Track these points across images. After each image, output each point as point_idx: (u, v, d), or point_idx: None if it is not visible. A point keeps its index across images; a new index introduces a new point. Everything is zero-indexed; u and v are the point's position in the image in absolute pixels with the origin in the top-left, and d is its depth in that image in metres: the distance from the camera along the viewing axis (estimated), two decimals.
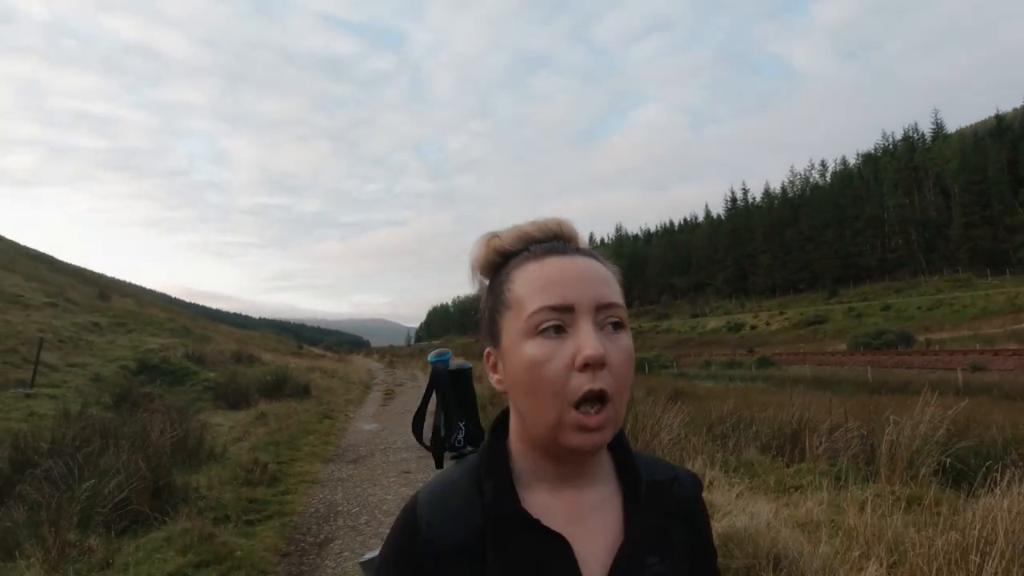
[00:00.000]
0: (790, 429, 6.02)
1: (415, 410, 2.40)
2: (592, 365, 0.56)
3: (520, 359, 0.59)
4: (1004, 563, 2.35)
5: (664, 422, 5.72)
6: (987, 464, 3.95)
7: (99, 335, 13.26)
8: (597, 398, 0.57)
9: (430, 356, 2.60)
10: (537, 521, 0.59)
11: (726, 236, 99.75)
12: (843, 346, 38.76)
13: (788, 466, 5.32)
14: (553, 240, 0.65)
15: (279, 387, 12.17)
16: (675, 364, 32.95)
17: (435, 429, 2.53)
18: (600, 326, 0.59)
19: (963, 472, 4.35)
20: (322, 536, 4.18)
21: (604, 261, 0.66)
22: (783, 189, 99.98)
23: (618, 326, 0.61)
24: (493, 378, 0.65)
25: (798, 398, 7.32)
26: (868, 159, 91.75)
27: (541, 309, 0.59)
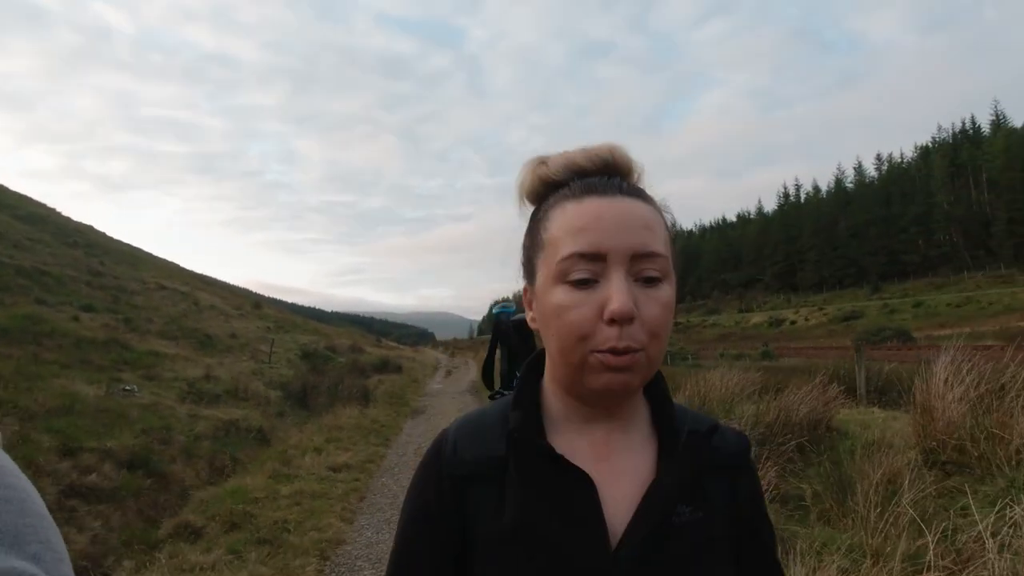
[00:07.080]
0: None
1: (483, 362, 2.71)
2: (619, 321, 0.54)
3: (549, 303, 0.58)
4: None
5: None
6: None
7: (273, 334, 21.43)
8: (623, 351, 0.55)
9: (495, 308, 2.63)
10: (560, 456, 0.58)
11: (776, 232, 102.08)
12: (848, 342, 43.25)
13: None
14: (603, 171, 0.61)
15: (384, 367, 19.98)
16: (691, 356, 38.90)
17: (502, 376, 2.74)
18: (635, 276, 0.56)
19: None
20: (424, 414, 11.58)
21: (652, 201, 0.61)
22: (837, 182, 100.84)
23: (655, 280, 0.57)
24: (528, 315, 0.65)
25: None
26: (923, 153, 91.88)
27: (571, 256, 0.56)
